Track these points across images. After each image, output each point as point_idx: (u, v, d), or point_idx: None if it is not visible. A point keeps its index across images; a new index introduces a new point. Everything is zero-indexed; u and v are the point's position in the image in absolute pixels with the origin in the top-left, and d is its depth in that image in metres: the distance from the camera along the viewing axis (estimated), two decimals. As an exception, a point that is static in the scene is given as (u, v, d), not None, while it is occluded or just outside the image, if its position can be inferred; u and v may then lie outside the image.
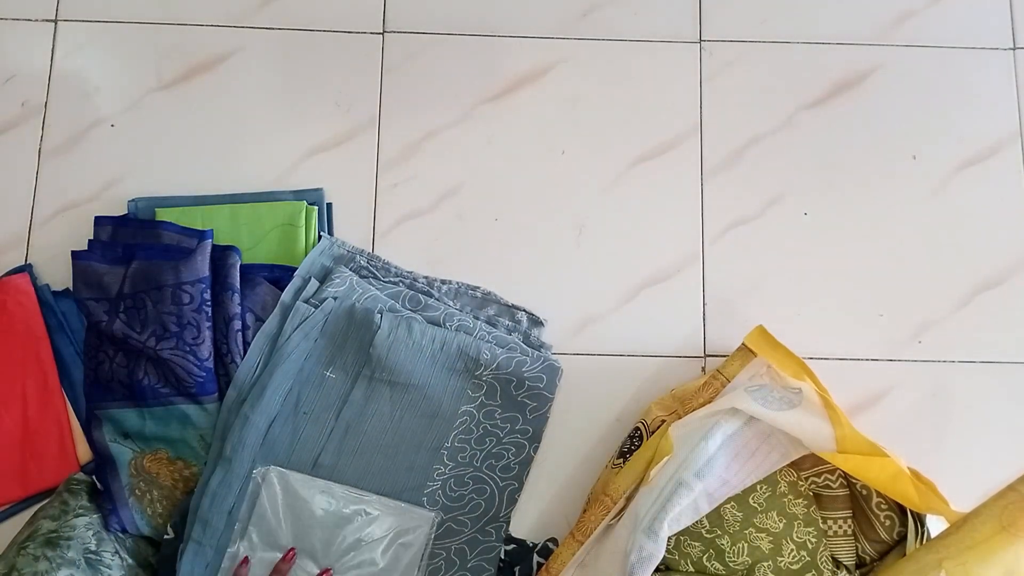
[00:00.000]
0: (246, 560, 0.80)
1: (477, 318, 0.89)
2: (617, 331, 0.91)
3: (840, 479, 0.81)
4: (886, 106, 0.97)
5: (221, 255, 0.87)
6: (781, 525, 0.81)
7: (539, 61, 0.97)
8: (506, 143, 0.96)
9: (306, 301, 0.87)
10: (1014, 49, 0.99)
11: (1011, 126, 0.97)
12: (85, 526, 0.79)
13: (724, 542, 0.81)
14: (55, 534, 0.77)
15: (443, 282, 0.91)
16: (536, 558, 0.83)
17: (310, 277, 0.88)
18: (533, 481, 0.87)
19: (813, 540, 0.81)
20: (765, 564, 0.80)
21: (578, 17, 0.98)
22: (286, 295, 0.87)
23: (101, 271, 0.86)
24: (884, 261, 0.94)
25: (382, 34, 0.98)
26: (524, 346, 0.88)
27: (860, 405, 0.90)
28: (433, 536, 0.82)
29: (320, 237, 0.90)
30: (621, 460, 0.82)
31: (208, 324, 0.84)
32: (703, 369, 0.91)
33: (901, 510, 0.78)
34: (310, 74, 0.97)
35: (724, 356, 0.87)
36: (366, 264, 0.90)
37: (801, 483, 0.83)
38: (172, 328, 0.83)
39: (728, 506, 0.82)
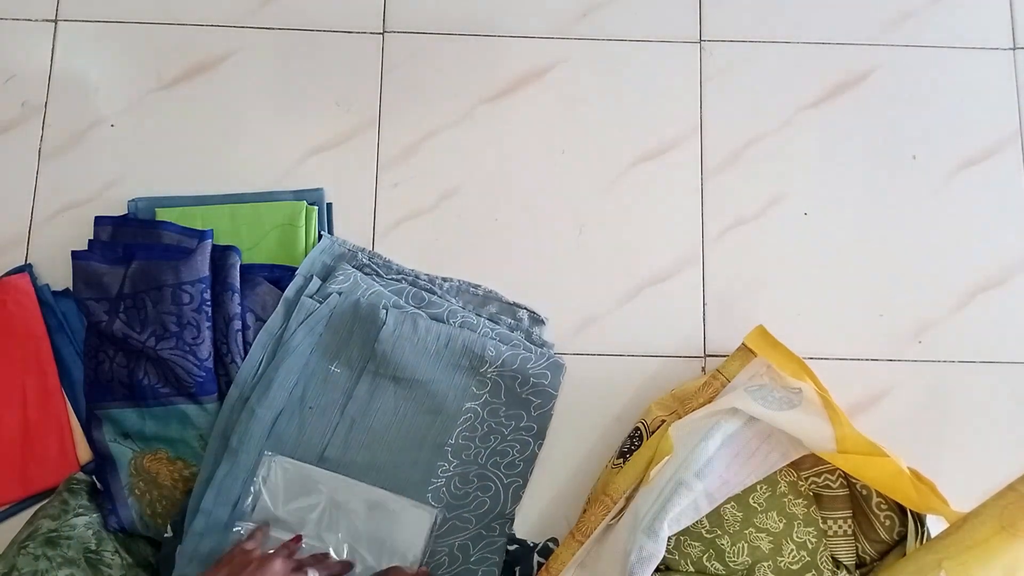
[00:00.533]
0: (299, 538, 0.80)
1: (479, 315, 0.90)
2: (617, 331, 0.91)
3: (840, 479, 0.81)
4: (886, 106, 0.97)
5: (221, 255, 0.87)
6: (781, 525, 0.81)
7: (539, 61, 0.97)
8: (506, 143, 0.96)
9: (310, 297, 0.87)
10: (1014, 49, 0.99)
11: (1011, 126, 0.97)
12: (85, 525, 0.79)
13: (724, 542, 0.81)
14: (55, 533, 0.77)
15: (444, 279, 0.91)
16: (536, 558, 0.83)
17: (312, 275, 0.88)
18: (533, 481, 0.87)
19: (813, 540, 0.81)
20: (765, 564, 0.80)
21: (578, 17, 0.98)
22: (289, 291, 0.87)
23: (101, 271, 0.86)
24: (884, 261, 0.94)
25: (382, 34, 0.98)
26: (528, 343, 0.88)
27: (860, 405, 0.90)
28: (435, 533, 0.82)
29: (320, 236, 0.91)
30: (621, 460, 0.82)
31: (208, 324, 0.84)
32: (703, 369, 0.91)
33: (901, 510, 0.78)
34: (310, 74, 0.97)
35: (724, 356, 0.87)
36: (368, 261, 0.90)
37: (801, 483, 0.83)
38: (172, 328, 0.83)
39: (728, 506, 0.82)
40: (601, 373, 0.90)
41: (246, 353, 0.85)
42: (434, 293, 0.90)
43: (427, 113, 0.96)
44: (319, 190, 0.93)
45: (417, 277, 0.91)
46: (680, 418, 0.81)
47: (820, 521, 0.82)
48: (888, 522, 0.78)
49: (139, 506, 0.83)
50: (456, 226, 0.94)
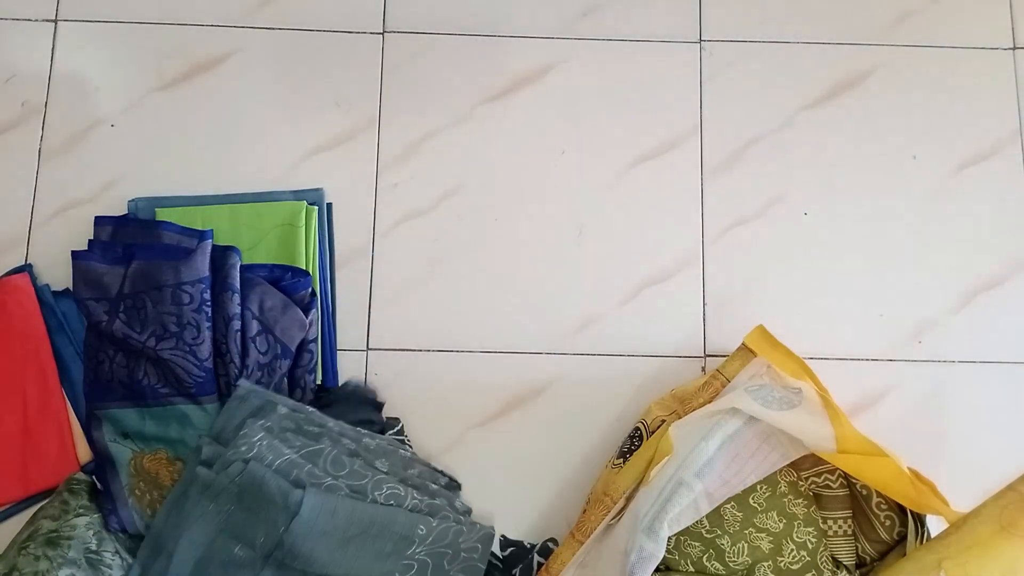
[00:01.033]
0: None
1: (406, 482, 0.82)
2: (617, 331, 0.91)
3: (840, 479, 0.81)
4: (886, 106, 0.97)
5: (221, 255, 0.87)
6: (781, 525, 0.81)
7: (539, 61, 0.97)
8: (506, 143, 0.96)
9: (207, 465, 0.79)
10: (1014, 49, 0.99)
11: (1011, 126, 0.97)
12: (86, 526, 0.79)
13: (724, 542, 0.81)
14: (56, 533, 0.77)
15: (371, 437, 0.85)
16: (536, 558, 0.83)
17: (210, 438, 0.82)
18: (533, 481, 0.87)
19: (813, 540, 0.81)
20: (765, 564, 0.80)
21: (578, 17, 0.98)
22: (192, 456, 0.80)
23: (101, 271, 0.86)
24: (884, 261, 0.94)
25: (382, 34, 0.98)
26: (456, 511, 0.82)
27: (860, 405, 0.90)
28: None
29: (237, 386, 0.83)
30: (621, 460, 0.82)
31: (208, 324, 0.84)
32: (703, 369, 0.91)
33: (901, 510, 0.78)
34: (310, 74, 0.97)
35: (724, 356, 0.87)
36: (291, 411, 0.83)
37: (801, 483, 0.83)
38: (172, 328, 0.83)
39: (728, 506, 0.82)
40: (601, 373, 0.90)
41: (245, 352, 0.85)
42: (358, 456, 0.82)
43: (427, 113, 0.96)
44: (319, 190, 0.93)
45: (342, 434, 0.83)
46: (680, 418, 0.81)
47: (820, 521, 0.82)
48: (888, 522, 0.78)
49: (139, 507, 0.83)
50: (456, 226, 0.94)
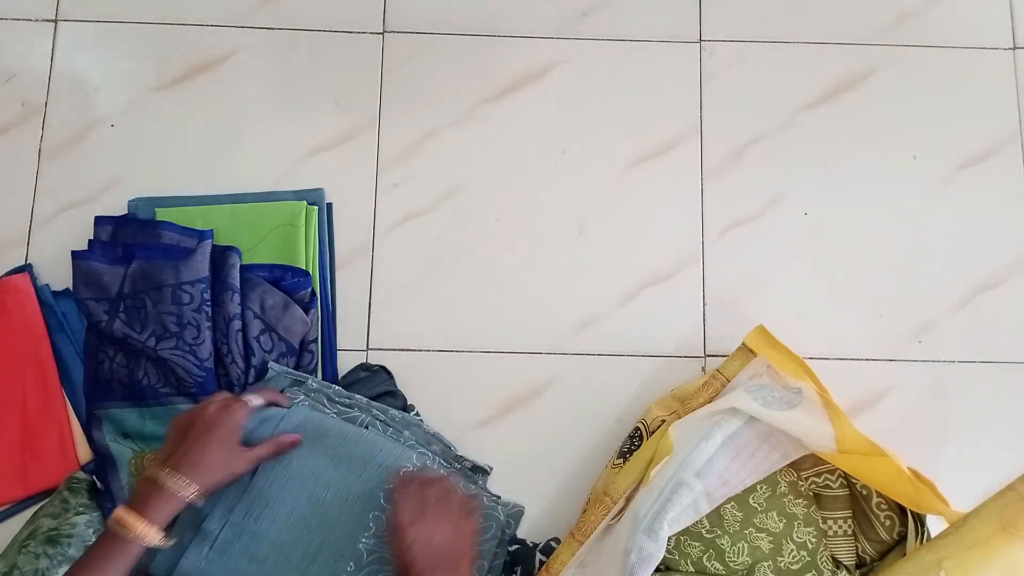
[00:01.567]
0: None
1: (435, 455, 0.85)
2: (617, 331, 0.91)
3: (840, 479, 0.81)
4: (886, 106, 0.97)
5: (221, 255, 0.87)
6: (781, 525, 0.81)
7: (539, 61, 0.97)
8: (506, 143, 0.96)
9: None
10: (1014, 49, 0.99)
11: (1011, 126, 0.97)
12: (86, 524, 0.79)
13: (724, 542, 0.81)
14: (56, 532, 0.77)
15: (396, 411, 0.86)
16: (539, 556, 0.83)
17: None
18: (534, 481, 0.87)
19: (813, 540, 0.81)
20: (765, 564, 0.80)
21: (578, 17, 0.98)
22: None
23: (101, 271, 0.86)
24: (884, 261, 0.94)
25: (382, 34, 0.98)
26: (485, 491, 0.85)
27: (860, 405, 0.90)
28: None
29: (268, 368, 0.85)
30: (621, 460, 0.82)
31: (208, 324, 0.84)
32: (703, 369, 0.91)
33: (901, 510, 0.78)
34: (310, 74, 0.97)
35: (724, 356, 0.87)
36: (320, 386, 0.85)
37: (801, 483, 0.83)
38: (172, 328, 0.83)
39: (728, 506, 0.82)
40: (601, 373, 0.90)
41: (246, 353, 0.85)
42: (388, 425, 0.84)
43: (427, 113, 0.96)
44: (319, 190, 0.93)
45: (371, 405, 0.85)
46: (680, 418, 0.81)
47: (820, 521, 0.82)
48: (888, 522, 0.78)
49: (139, 506, 0.83)
50: (456, 226, 0.94)
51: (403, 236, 0.93)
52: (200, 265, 0.85)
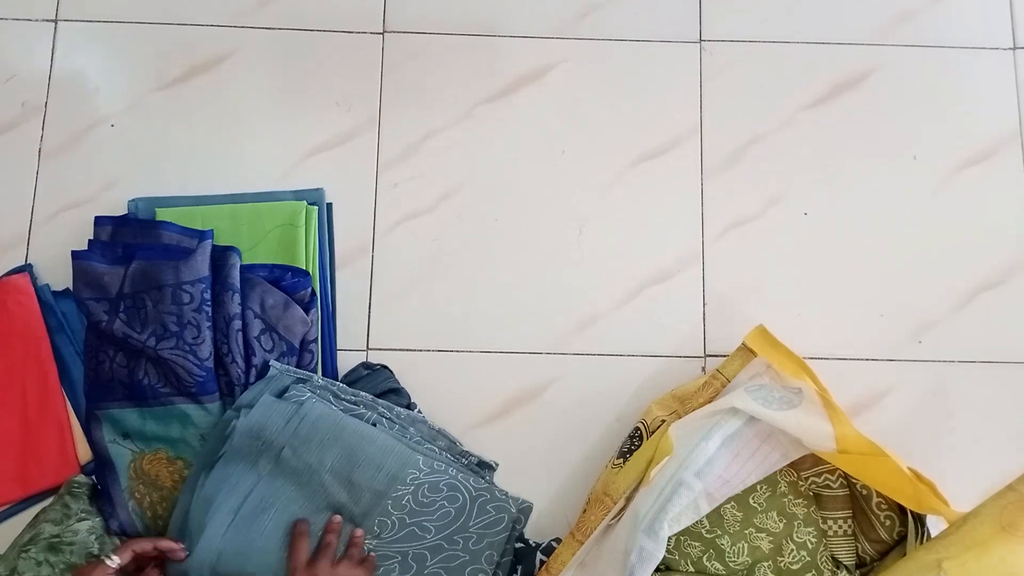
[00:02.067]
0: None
1: (441, 450, 0.86)
2: (617, 331, 0.91)
3: (840, 479, 0.81)
4: (886, 106, 0.97)
5: (221, 255, 0.87)
6: (781, 525, 0.81)
7: (539, 61, 0.97)
8: (506, 143, 0.96)
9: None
10: (1014, 49, 0.99)
11: (1011, 126, 0.97)
12: (88, 530, 0.79)
13: (724, 542, 0.81)
14: (57, 539, 0.77)
15: (401, 409, 0.87)
16: (540, 556, 0.83)
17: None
18: (534, 481, 0.87)
19: (813, 540, 0.81)
20: (765, 564, 0.80)
21: (578, 17, 0.98)
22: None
23: (101, 271, 0.86)
24: (884, 261, 0.94)
25: (382, 34, 0.98)
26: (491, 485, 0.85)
27: (860, 405, 0.90)
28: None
29: (269, 366, 0.85)
30: (621, 460, 0.82)
31: (208, 324, 0.84)
32: (703, 369, 0.91)
33: (901, 510, 0.78)
34: (310, 74, 0.97)
35: (724, 356, 0.87)
36: (325, 384, 0.86)
37: (801, 483, 0.83)
38: (172, 328, 0.83)
39: (728, 506, 0.82)
40: (601, 373, 0.90)
41: (247, 353, 0.85)
42: (393, 422, 0.85)
43: (427, 113, 0.96)
44: (319, 190, 0.93)
45: (376, 402, 0.86)
46: (680, 418, 0.81)
47: (820, 521, 0.82)
48: (888, 522, 0.78)
49: (139, 509, 0.83)
50: (456, 226, 0.94)
51: (403, 236, 0.93)
52: (200, 265, 0.85)
